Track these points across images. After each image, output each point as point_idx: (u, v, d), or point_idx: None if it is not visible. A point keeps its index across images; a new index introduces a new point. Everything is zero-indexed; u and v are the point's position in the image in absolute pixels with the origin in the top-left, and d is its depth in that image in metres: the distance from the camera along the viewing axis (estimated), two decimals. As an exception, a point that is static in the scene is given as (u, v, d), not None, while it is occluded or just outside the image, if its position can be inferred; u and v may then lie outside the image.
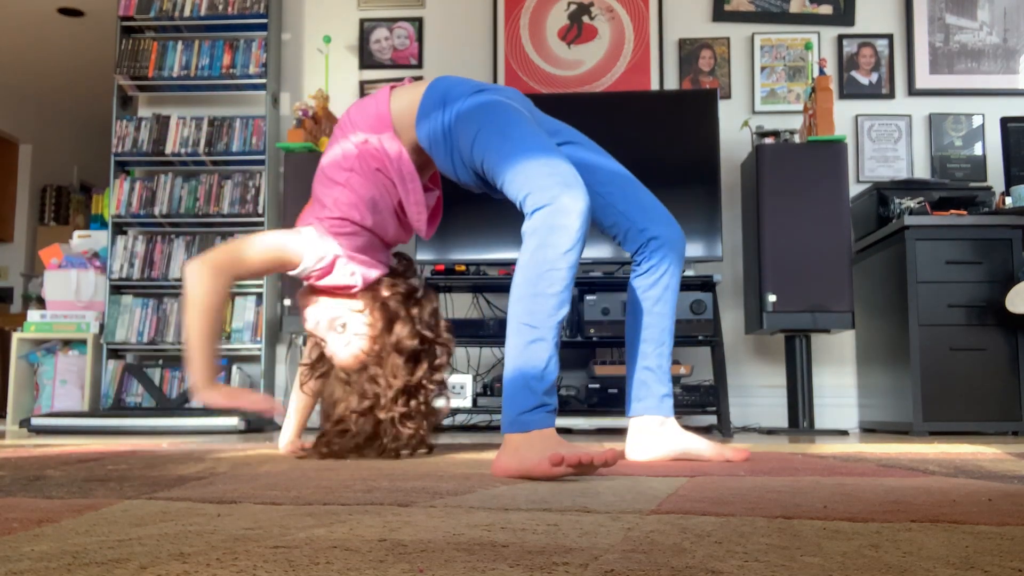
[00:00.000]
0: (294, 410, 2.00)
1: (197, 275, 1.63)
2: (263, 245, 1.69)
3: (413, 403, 1.71)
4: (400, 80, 3.69)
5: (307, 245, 1.68)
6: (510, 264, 3.51)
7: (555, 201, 1.35)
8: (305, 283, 1.77)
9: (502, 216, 3.57)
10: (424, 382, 1.72)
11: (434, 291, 1.85)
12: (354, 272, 1.72)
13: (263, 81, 3.93)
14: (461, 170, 1.64)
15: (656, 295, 1.69)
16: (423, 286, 1.83)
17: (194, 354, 1.64)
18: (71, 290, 3.90)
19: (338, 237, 1.70)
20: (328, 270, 1.70)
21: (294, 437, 2.00)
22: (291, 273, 1.71)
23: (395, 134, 1.69)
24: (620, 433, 3.18)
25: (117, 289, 3.90)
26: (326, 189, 1.72)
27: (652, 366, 1.69)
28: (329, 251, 1.69)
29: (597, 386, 3.37)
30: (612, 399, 3.30)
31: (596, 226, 1.72)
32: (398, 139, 1.69)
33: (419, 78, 4.06)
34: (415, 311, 1.74)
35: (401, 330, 1.70)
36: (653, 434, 1.69)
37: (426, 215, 1.76)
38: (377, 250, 1.80)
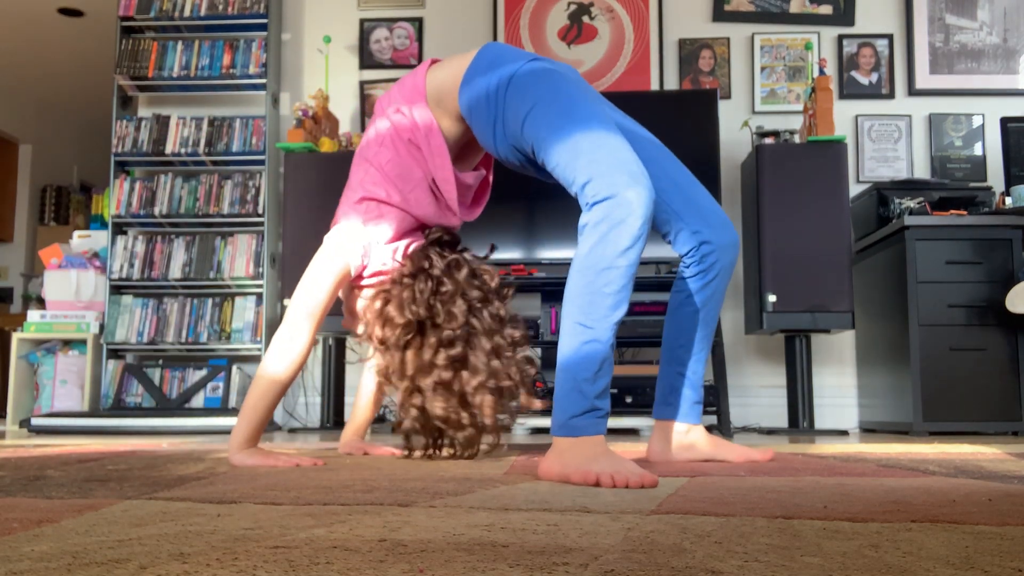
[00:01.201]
0: (356, 409, 1.99)
1: (287, 345, 1.58)
2: (323, 284, 1.60)
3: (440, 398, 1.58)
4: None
5: (345, 247, 1.61)
6: (512, 264, 3.50)
7: (619, 194, 1.27)
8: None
9: (506, 216, 3.58)
10: (438, 371, 1.56)
11: (473, 262, 1.65)
12: (385, 262, 1.64)
13: (263, 81, 3.93)
14: (501, 143, 1.54)
15: (701, 300, 1.64)
16: (462, 261, 1.64)
17: (246, 418, 1.59)
18: (71, 290, 3.90)
19: (367, 223, 1.61)
20: (368, 257, 1.63)
21: (352, 436, 1.98)
22: (353, 280, 1.65)
23: (428, 105, 1.61)
24: (622, 434, 3.18)
25: (117, 289, 3.90)
26: (356, 169, 1.66)
27: (686, 372, 1.65)
28: (364, 238, 1.61)
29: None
30: (614, 400, 3.30)
31: None
32: (430, 110, 1.61)
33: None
34: (421, 286, 1.57)
35: (392, 311, 1.56)
36: (678, 439, 1.66)
37: (455, 191, 1.65)
38: (416, 234, 1.69)
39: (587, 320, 1.30)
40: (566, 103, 1.43)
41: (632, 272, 1.30)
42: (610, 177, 1.29)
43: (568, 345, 1.32)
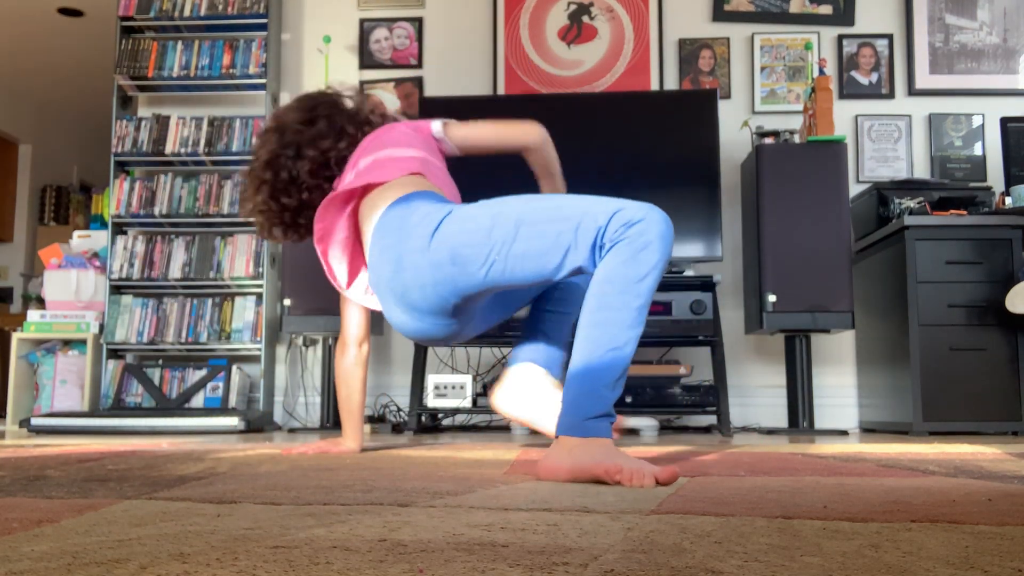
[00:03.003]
0: (351, 405, 2.02)
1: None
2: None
3: None
4: (403, 81, 3.75)
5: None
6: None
7: (649, 217, 1.36)
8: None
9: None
10: None
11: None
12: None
13: (263, 81, 3.93)
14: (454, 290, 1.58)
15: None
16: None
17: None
18: (71, 290, 3.90)
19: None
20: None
21: (358, 435, 2.02)
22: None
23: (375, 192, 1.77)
24: (622, 434, 3.18)
25: (117, 289, 3.89)
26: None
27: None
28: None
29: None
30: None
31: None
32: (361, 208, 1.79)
33: (419, 79, 4.06)
34: None
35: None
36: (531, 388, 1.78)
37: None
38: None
39: (615, 329, 1.35)
40: (535, 199, 1.52)
41: (655, 289, 1.39)
42: (634, 207, 1.39)
43: (591, 350, 1.35)
